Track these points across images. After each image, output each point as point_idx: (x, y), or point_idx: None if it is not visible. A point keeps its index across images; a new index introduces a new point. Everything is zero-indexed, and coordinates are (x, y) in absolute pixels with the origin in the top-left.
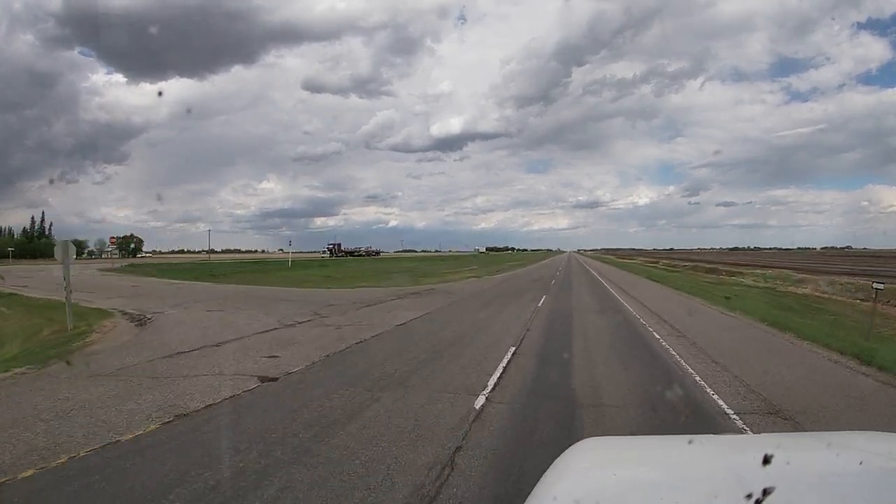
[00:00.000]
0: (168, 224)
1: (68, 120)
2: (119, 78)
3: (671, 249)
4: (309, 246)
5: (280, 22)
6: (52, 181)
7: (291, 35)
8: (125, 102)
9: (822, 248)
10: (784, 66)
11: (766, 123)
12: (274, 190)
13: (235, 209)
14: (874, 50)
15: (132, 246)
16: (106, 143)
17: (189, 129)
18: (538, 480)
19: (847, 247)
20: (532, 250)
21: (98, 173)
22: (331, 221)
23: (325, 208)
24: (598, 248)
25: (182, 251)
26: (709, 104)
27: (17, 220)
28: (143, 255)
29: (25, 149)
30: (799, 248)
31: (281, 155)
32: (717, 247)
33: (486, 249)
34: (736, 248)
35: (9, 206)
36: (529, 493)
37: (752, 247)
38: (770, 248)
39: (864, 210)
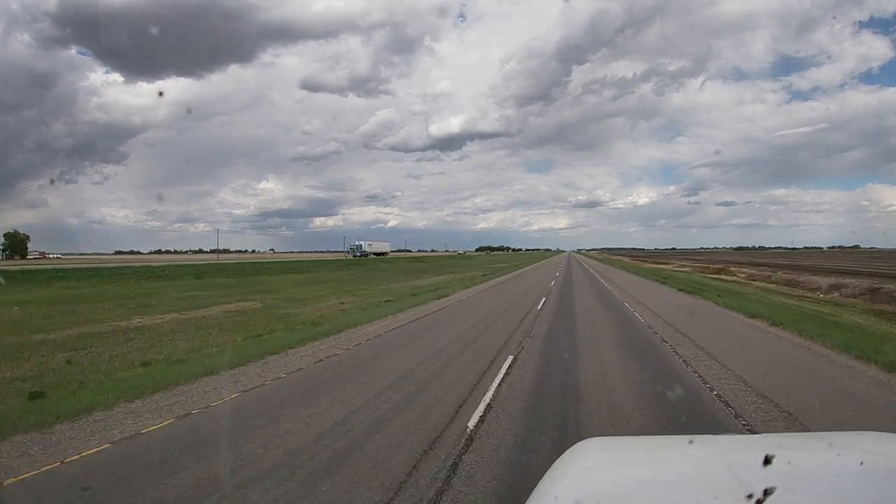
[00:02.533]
0: (168, 224)
1: (66, 120)
2: (117, 77)
3: (673, 249)
4: (308, 246)
5: (277, 20)
6: (52, 181)
7: (288, 34)
8: (123, 102)
9: (828, 248)
10: (785, 65)
11: (767, 123)
12: (273, 190)
13: (234, 209)
14: (876, 49)
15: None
16: (104, 143)
17: (187, 129)
18: (539, 481)
19: (855, 246)
20: (527, 250)
21: (97, 173)
22: (330, 221)
23: (324, 208)
24: (598, 247)
25: (119, 252)
26: (710, 104)
27: (16, 220)
28: (45, 255)
29: (24, 149)
30: (805, 248)
31: (280, 155)
32: (721, 246)
33: (479, 249)
34: (741, 248)
35: (8, 206)
36: (530, 494)
37: (755, 246)
38: (775, 248)
39: (864, 209)
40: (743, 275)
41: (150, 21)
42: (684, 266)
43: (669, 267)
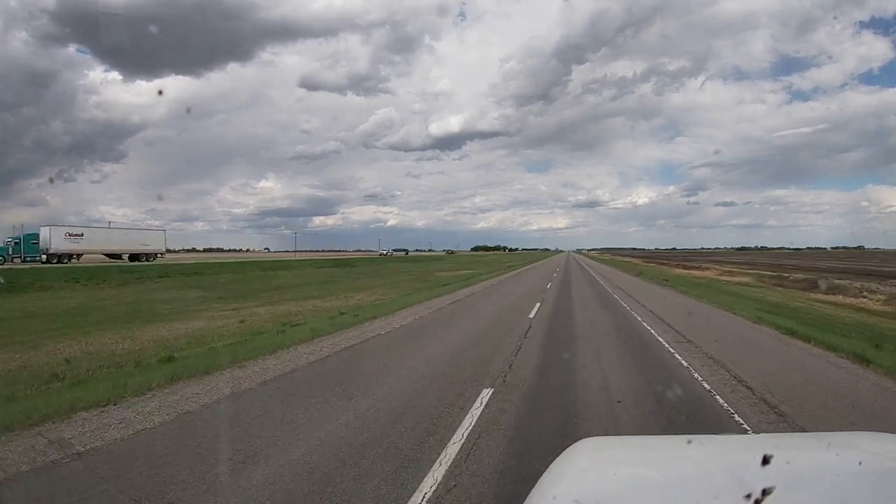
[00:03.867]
0: (167, 223)
1: (65, 119)
2: (115, 76)
3: (673, 249)
4: (309, 245)
5: (276, 19)
6: (51, 180)
7: (288, 32)
8: (122, 101)
9: (832, 249)
10: (786, 65)
11: (767, 123)
12: (272, 189)
13: (234, 208)
14: (876, 49)
15: None
16: (103, 142)
17: (186, 127)
18: (537, 481)
19: (860, 247)
20: (523, 250)
21: (96, 172)
22: (329, 220)
23: (324, 207)
24: (598, 247)
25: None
26: (710, 103)
27: (15, 218)
28: None
29: (23, 148)
30: (809, 249)
31: (279, 154)
32: (722, 247)
33: (475, 248)
34: (743, 248)
35: (7, 205)
36: (529, 494)
37: (759, 246)
38: (778, 249)
39: (864, 210)
40: (881, 297)
41: (149, 19)
42: (731, 273)
43: (710, 274)
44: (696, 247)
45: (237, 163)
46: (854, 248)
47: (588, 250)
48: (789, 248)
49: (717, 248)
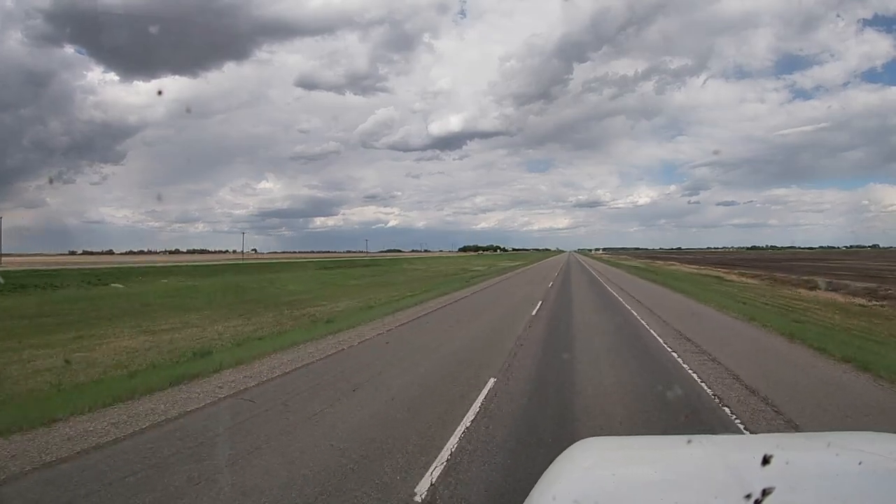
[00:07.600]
0: (167, 224)
1: (63, 119)
2: (112, 76)
3: (678, 249)
4: (309, 246)
5: (271, 16)
6: (51, 181)
7: (283, 30)
8: (120, 101)
9: (846, 248)
10: (788, 64)
11: (769, 122)
12: (272, 190)
13: (234, 209)
14: (880, 47)
15: None
16: (102, 142)
17: (185, 127)
18: (538, 480)
19: (874, 245)
20: (514, 250)
21: (95, 173)
22: (330, 221)
23: (324, 208)
24: (601, 247)
25: None
26: (711, 102)
27: (14, 219)
28: None
29: (21, 148)
30: (821, 248)
31: (278, 154)
32: (731, 246)
33: (462, 248)
34: (755, 248)
35: (7, 206)
36: (528, 494)
37: (767, 246)
38: (786, 248)
39: (865, 209)
40: None
41: (145, 18)
42: None
43: None
44: (700, 246)
45: (237, 163)
46: (869, 247)
47: (593, 250)
48: (800, 248)
49: (725, 248)
